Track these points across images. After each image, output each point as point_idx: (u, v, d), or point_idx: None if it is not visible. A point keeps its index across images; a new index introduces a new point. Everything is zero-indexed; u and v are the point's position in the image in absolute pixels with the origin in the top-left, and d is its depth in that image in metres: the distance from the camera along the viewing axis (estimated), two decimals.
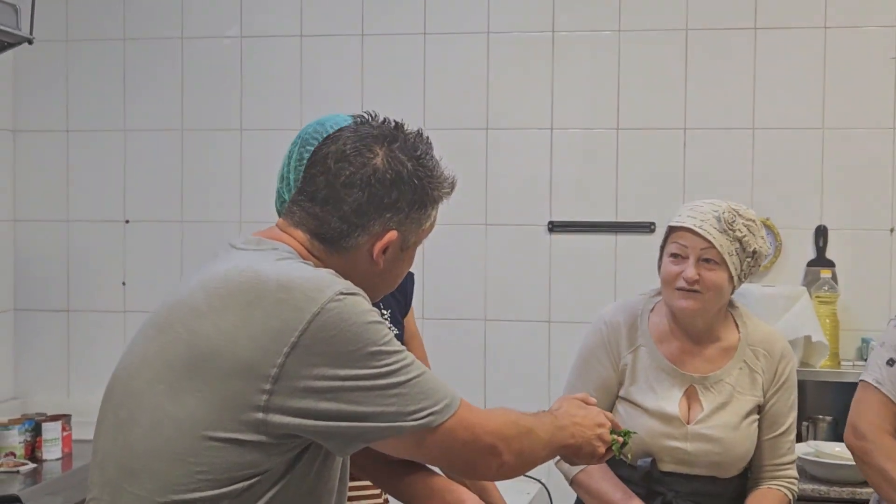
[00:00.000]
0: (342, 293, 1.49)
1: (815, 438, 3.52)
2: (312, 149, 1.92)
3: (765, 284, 3.73)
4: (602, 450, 1.78)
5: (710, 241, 2.42)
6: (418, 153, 1.65)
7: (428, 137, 1.70)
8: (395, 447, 1.56)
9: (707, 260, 2.44)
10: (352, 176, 1.60)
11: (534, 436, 1.65)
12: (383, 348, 1.49)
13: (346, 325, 1.47)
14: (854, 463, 3.19)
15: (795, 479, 2.57)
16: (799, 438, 3.48)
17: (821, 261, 3.79)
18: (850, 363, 3.69)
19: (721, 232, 2.42)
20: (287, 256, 1.58)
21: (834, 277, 3.75)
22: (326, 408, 1.46)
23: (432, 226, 1.70)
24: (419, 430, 1.51)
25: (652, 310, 2.59)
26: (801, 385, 3.55)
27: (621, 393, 2.54)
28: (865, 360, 3.65)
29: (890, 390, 2.55)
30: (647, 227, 3.85)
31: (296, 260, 1.58)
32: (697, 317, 2.51)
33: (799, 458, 3.23)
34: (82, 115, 4.16)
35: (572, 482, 2.54)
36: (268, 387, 1.45)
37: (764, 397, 2.53)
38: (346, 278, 1.57)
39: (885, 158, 3.76)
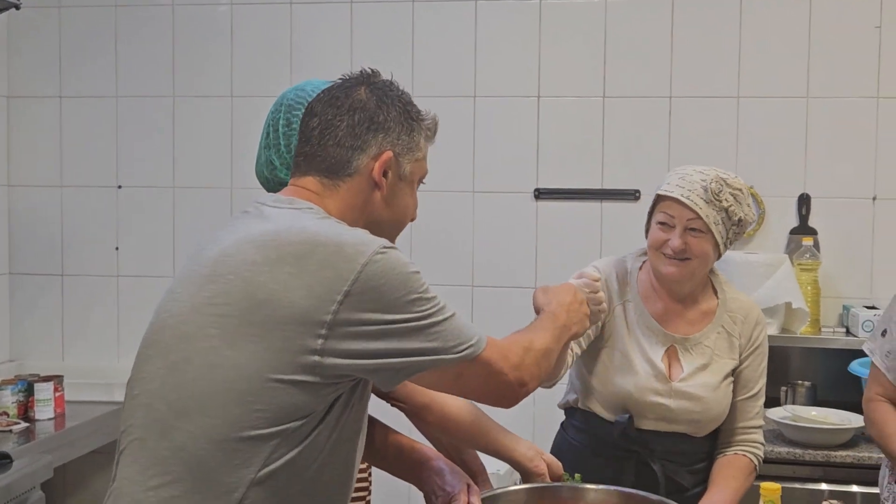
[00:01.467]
0: (386, 247, 1.62)
1: (794, 403, 3.57)
2: (300, 113, 1.99)
3: (747, 251, 3.78)
4: (588, 321, 2.02)
5: (696, 212, 2.46)
6: (396, 87, 1.82)
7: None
8: (434, 381, 1.72)
9: (693, 229, 2.48)
10: (340, 107, 1.76)
11: (550, 353, 1.83)
12: (423, 295, 1.63)
13: (392, 275, 1.60)
14: (828, 427, 3.28)
15: (761, 444, 2.61)
16: (777, 403, 3.55)
17: (803, 228, 3.83)
18: (831, 330, 3.74)
19: (707, 202, 2.45)
20: (325, 216, 1.70)
21: (816, 245, 3.79)
22: (376, 348, 1.59)
23: (424, 165, 1.83)
24: (460, 363, 1.66)
25: (640, 268, 2.65)
26: (782, 351, 3.64)
27: (609, 343, 2.59)
28: (846, 326, 3.72)
29: (878, 359, 2.63)
30: (633, 195, 3.90)
31: (333, 220, 1.70)
32: (683, 282, 2.56)
33: (776, 421, 3.31)
34: (75, 82, 4.21)
35: None
36: (323, 332, 1.57)
37: (739, 359, 2.59)
38: (357, 215, 1.74)
39: (868, 127, 3.79)
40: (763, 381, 2.62)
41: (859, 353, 3.38)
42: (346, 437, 1.68)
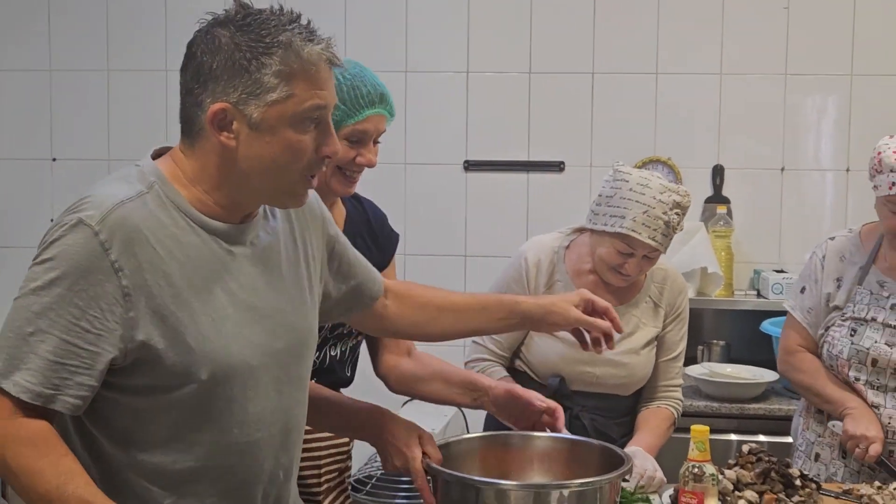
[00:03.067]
0: (77, 223, 1.52)
1: (709, 360, 3.80)
2: None
3: None
4: None
5: (658, 249, 2.60)
6: (247, 22, 1.58)
7: (294, 13, 1.62)
8: None
9: (651, 257, 2.63)
10: (184, 63, 1.63)
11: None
12: (28, 285, 1.54)
13: (44, 239, 1.57)
14: (742, 382, 3.51)
15: (680, 400, 2.80)
16: (694, 361, 3.77)
17: (717, 197, 4.06)
18: (743, 292, 3.98)
19: (666, 236, 2.59)
20: (125, 174, 1.62)
21: (729, 213, 4.02)
22: None
23: (291, 104, 1.57)
24: None
25: (567, 247, 2.77)
26: (698, 313, 3.86)
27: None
28: (757, 289, 3.96)
29: (799, 314, 2.82)
30: (557, 166, 4.08)
31: (123, 178, 1.61)
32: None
33: (694, 378, 3.53)
34: (7, 55, 4.23)
35: None
36: None
37: (663, 326, 2.77)
38: (216, 173, 1.60)
39: (777, 102, 4.03)
40: (684, 345, 2.80)
41: (769, 314, 3.63)
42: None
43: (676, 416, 2.78)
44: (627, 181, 2.60)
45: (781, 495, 2.22)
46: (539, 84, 4.08)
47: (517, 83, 4.09)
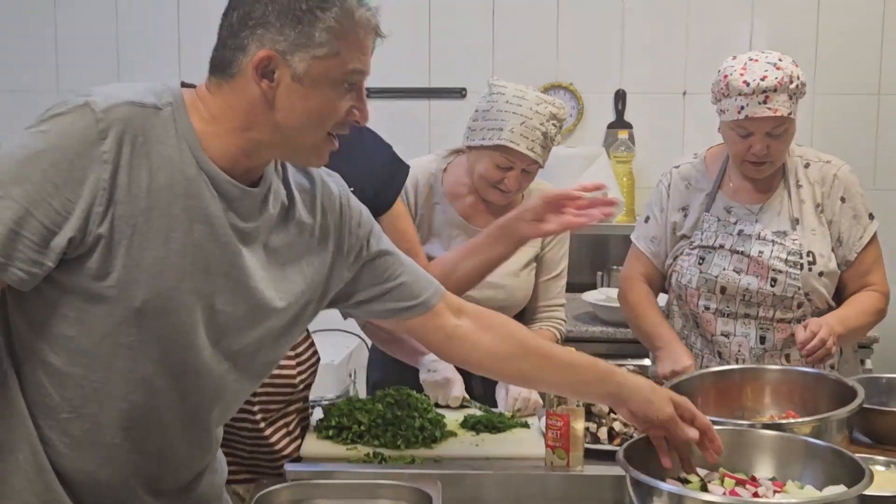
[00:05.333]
0: (83, 105, 1.50)
1: (608, 287, 3.81)
2: None
3: (567, 146, 3.97)
4: None
5: (537, 161, 2.57)
6: None
7: None
8: None
9: (529, 171, 2.60)
10: (231, 4, 1.61)
11: None
12: (14, 149, 1.48)
13: (45, 111, 1.51)
14: None
15: (563, 320, 2.79)
16: (594, 287, 3.78)
17: (619, 123, 4.04)
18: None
19: (544, 148, 2.56)
20: (145, 84, 1.59)
21: (631, 138, 4.00)
22: None
23: (340, 63, 1.58)
24: None
25: (445, 169, 2.74)
26: (599, 239, 3.88)
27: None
28: None
29: (642, 244, 2.81)
30: (459, 93, 4.03)
31: (141, 86, 1.59)
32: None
33: (590, 303, 3.54)
34: None
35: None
36: None
37: (541, 246, 2.75)
38: (240, 116, 1.59)
39: (679, 26, 4.01)
40: (565, 263, 2.78)
41: None
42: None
43: (559, 336, 2.75)
44: (503, 94, 2.57)
45: None
46: (439, 8, 4.02)
47: (417, 7, 4.02)
